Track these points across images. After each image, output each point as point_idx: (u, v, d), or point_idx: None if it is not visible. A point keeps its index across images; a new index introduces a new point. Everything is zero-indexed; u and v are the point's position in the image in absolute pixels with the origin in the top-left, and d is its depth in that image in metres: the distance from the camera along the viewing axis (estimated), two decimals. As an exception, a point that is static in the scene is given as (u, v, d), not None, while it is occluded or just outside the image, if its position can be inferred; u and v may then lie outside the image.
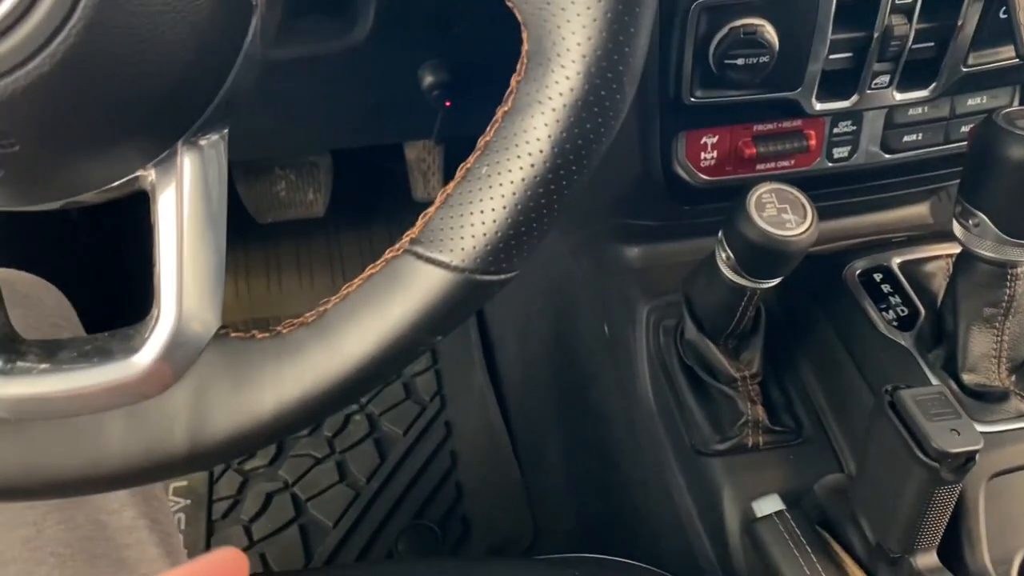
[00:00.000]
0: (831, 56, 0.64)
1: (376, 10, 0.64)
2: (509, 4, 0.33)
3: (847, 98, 0.67)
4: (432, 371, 1.28)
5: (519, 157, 0.33)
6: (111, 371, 0.36)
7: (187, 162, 0.36)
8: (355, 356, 0.35)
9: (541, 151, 0.33)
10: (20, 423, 0.36)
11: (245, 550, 1.06)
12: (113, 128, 0.32)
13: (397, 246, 0.36)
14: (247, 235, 1.31)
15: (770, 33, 0.61)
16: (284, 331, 0.37)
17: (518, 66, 0.33)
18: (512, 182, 0.33)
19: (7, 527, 0.56)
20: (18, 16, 0.27)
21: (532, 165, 0.33)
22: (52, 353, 0.36)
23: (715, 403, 0.71)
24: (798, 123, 0.69)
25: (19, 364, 0.35)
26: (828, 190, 0.75)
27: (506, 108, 0.34)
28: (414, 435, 1.22)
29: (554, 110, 0.32)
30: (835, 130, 0.70)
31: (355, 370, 0.35)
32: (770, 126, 0.69)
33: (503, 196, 0.34)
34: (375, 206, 1.36)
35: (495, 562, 0.66)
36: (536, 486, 1.14)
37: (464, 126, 0.87)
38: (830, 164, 0.71)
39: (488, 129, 0.34)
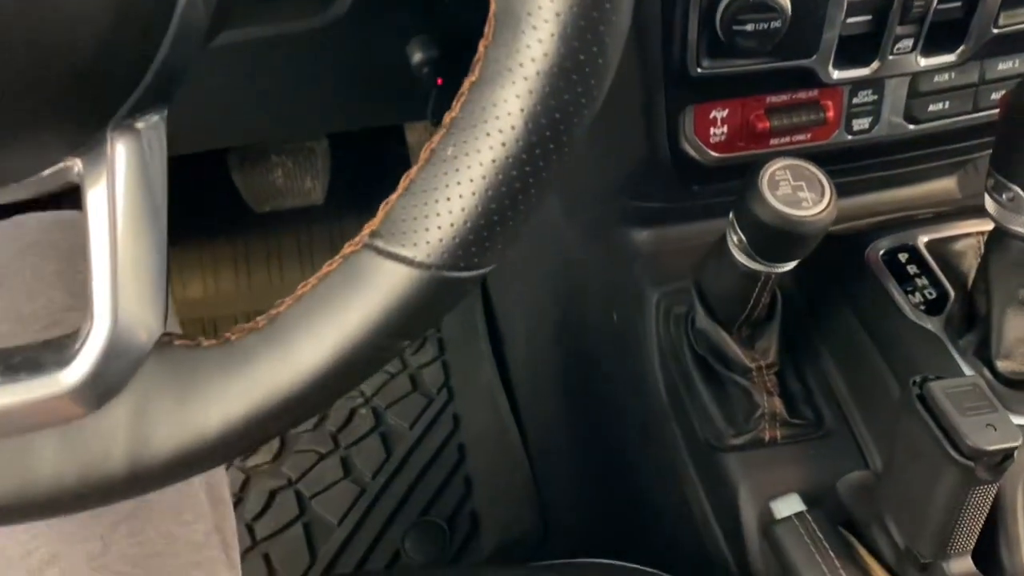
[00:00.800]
0: (849, 19, 0.59)
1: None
2: None
3: (867, 65, 0.62)
4: (439, 362, 1.24)
5: (488, 135, 0.29)
6: (39, 386, 0.32)
7: (120, 148, 0.31)
8: (309, 366, 0.31)
9: (513, 127, 0.28)
10: None
11: (248, 550, 1.02)
12: (17, 113, 0.27)
13: (356, 240, 0.31)
14: (245, 225, 1.27)
15: (783, -5, 0.56)
16: (233, 337, 0.32)
17: (485, 29, 0.29)
18: (482, 164, 0.29)
19: (71, 541, 0.51)
20: None
21: (503, 144, 0.29)
22: None
23: (729, 395, 0.66)
24: (814, 93, 0.65)
25: None
26: (848, 165, 0.70)
27: (473, 78, 0.29)
28: (421, 428, 1.18)
29: (526, 79, 0.28)
30: (854, 100, 0.65)
31: (309, 382, 0.31)
32: (784, 98, 0.65)
33: (471, 181, 0.29)
34: (377, 192, 1.32)
35: (498, 570, 0.62)
36: (545, 480, 1.10)
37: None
38: (850, 137, 0.67)
39: (454, 103, 0.30)
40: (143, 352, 0.32)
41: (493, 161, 0.29)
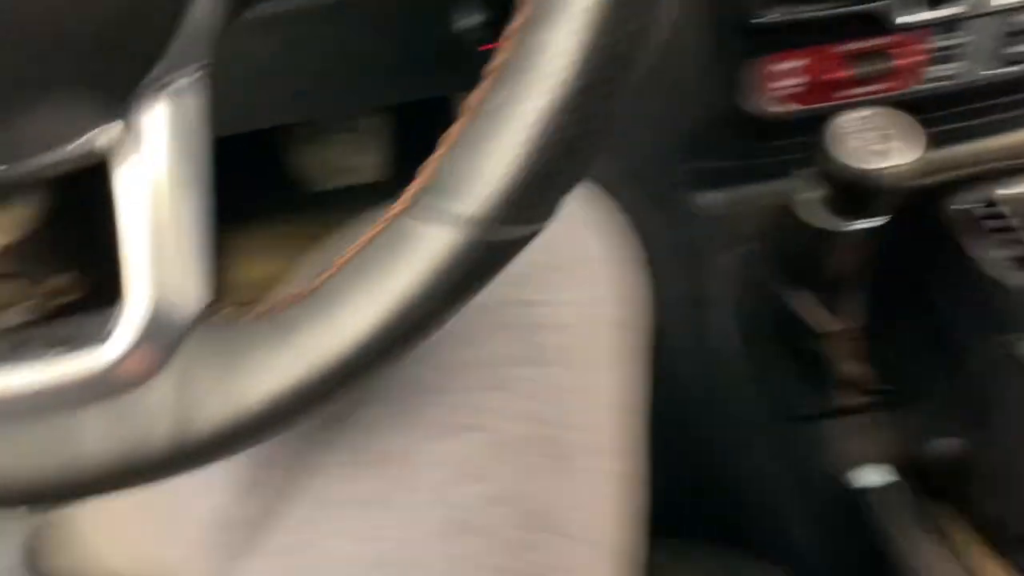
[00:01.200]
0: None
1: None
2: None
3: (945, 5, 0.58)
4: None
5: (541, 80, 0.26)
6: (82, 361, 0.30)
7: (153, 110, 0.30)
8: (354, 334, 0.29)
9: (569, 66, 0.26)
10: None
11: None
12: (38, 77, 0.26)
13: (400, 202, 0.29)
14: (297, 205, 1.26)
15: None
16: (276, 310, 0.31)
17: None
18: (537, 109, 0.27)
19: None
20: None
21: (561, 84, 0.26)
22: (16, 343, 0.31)
23: (809, 362, 0.63)
24: (888, 40, 0.60)
25: None
26: (927, 115, 0.66)
27: (520, 20, 0.27)
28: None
29: (587, 9, 0.25)
30: (936, 44, 0.61)
31: (355, 351, 0.29)
32: (854, 45, 0.61)
33: (526, 128, 0.27)
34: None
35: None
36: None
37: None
38: (930, 85, 0.62)
39: (498, 52, 0.28)
40: (186, 325, 0.31)
41: (548, 105, 0.26)
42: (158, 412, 0.31)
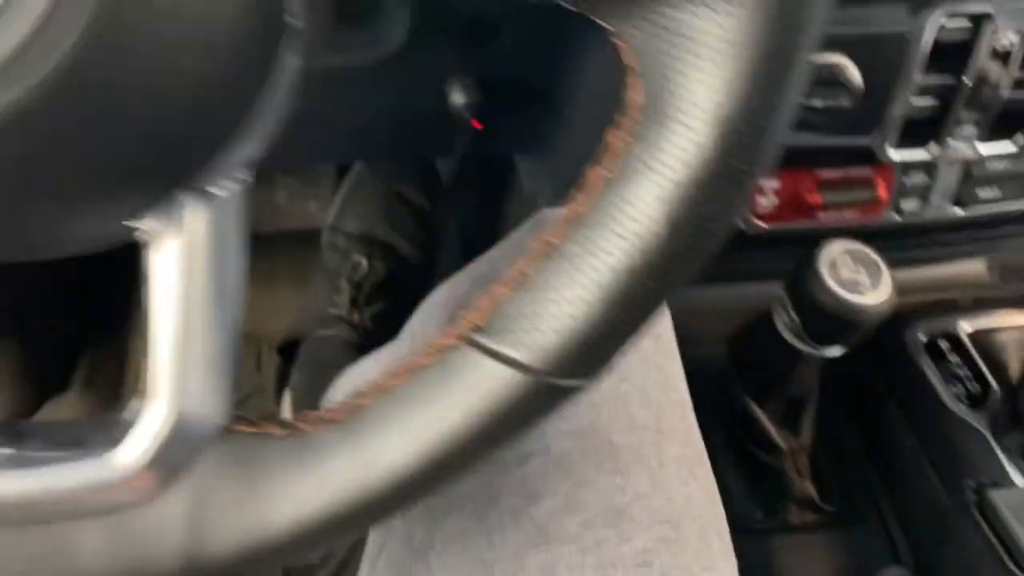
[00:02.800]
0: (915, 101, 0.57)
1: (411, 21, 0.57)
2: (619, 43, 0.26)
3: (925, 147, 0.60)
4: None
5: (623, 237, 0.26)
6: (87, 468, 0.28)
7: (196, 214, 0.28)
8: (395, 467, 0.28)
9: (654, 233, 0.26)
10: None
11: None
12: (104, 175, 0.24)
13: (454, 332, 0.28)
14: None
15: (853, 73, 0.54)
16: (307, 428, 0.29)
17: (619, 119, 0.26)
18: (614, 268, 0.26)
19: None
20: None
21: (642, 250, 0.26)
22: (17, 439, 0.29)
23: (759, 475, 0.64)
24: (868, 171, 0.63)
25: None
26: (888, 242, 0.68)
27: (606, 173, 0.26)
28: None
29: (676, 182, 0.25)
30: (906, 181, 0.63)
31: (394, 484, 0.28)
32: (837, 173, 0.63)
33: (600, 285, 0.26)
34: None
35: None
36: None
37: (489, 146, 0.81)
38: (898, 218, 0.65)
39: (578, 196, 0.27)
40: (205, 440, 0.29)
41: (628, 266, 0.26)
42: (167, 531, 0.29)
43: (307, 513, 0.29)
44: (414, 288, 1.01)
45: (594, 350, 0.27)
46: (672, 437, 0.48)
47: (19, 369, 0.86)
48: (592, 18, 0.25)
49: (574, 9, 0.25)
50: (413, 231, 1.05)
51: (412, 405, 0.28)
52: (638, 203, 0.26)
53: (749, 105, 0.25)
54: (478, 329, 0.28)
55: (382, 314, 1.01)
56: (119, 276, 1.06)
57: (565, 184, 0.61)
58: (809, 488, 0.62)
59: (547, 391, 0.28)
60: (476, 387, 0.28)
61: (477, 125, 0.70)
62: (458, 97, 0.67)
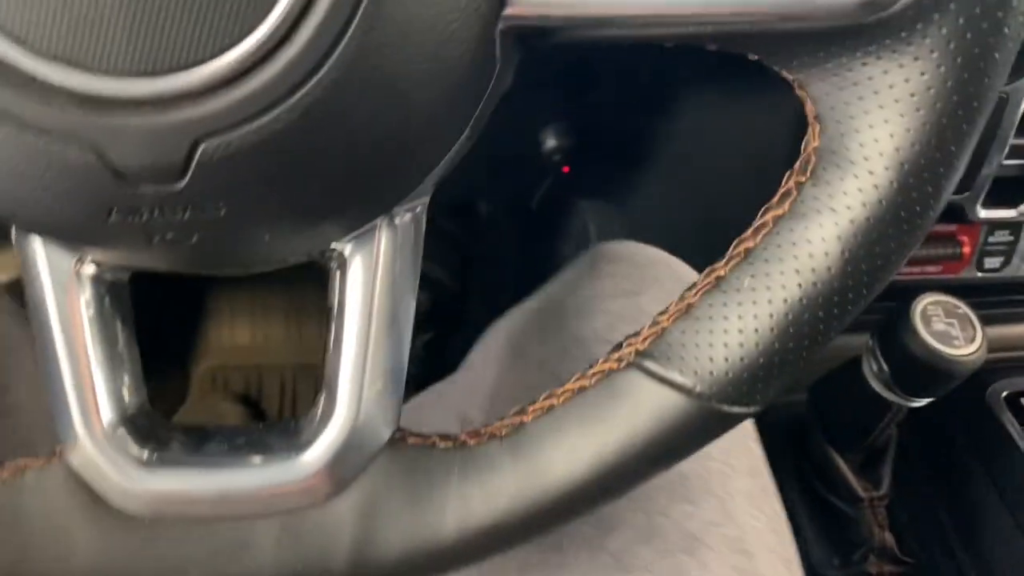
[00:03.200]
0: (1006, 161, 0.59)
1: (518, 66, 0.60)
2: (799, 93, 0.28)
3: (1014, 206, 0.62)
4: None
5: (798, 272, 0.28)
6: (270, 471, 0.30)
7: (384, 236, 0.30)
8: (561, 481, 0.29)
9: (830, 268, 0.27)
10: (155, 524, 0.30)
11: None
12: (333, 197, 0.26)
13: (618, 356, 0.30)
14: (299, 274, 1.24)
15: (949, 131, 0.56)
16: (471, 442, 0.31)
17: (800, 164, 0.28)
18: (786, 300, 0.28)
19: None
20: (260, 59, 0.22)
21: (815, 283, 0.27)
22: (199, 444, 0.31)
23: (835, 523, 0.65)
24: (953, 228, 0.64)
25: (162, 455, 0.30)
26: (969, 299, 0.69)
27: (781, 212, 0.28)
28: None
29: (852, 222, 0.27)
30: (990, 239, 0.65)
31: (559, 498, 0.30)
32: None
33: (770, 316, 0.28)
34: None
35: None
36: None
37: (572, 190, 0.83)
38: (979, 274, 0.66)
39: (750, 233, 0.29)
40: (379, 446, 0.30)
41: (800, 299, 0.28)
42: (337, 534, 0.30)
43: (471, 522, 0.30)
44: (452, 318, 1.03)
45: (761, 378, 0.29)
46: (740, 470, 0.48)
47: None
48: (777, 69, 0.27)
49: (765, 63, 0.27)
50: (450, 260, 1.07)
51: (575, 424, 0.30)
52: (814, 239, 0.28)
53: (928, 153, 0.26)
54: (644, 355, 0.30)
55: (431, 343, 1.02)
56: (184, 304, 1.09)
57: (641, 228, 0.63)
58: (888, 539, 0.62)
59: (712, 416, 0.29)
60: (642, 409, 0.29)
61: (566, 169, 0.72)
62: (551, 141, 0.69)
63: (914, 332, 0.54)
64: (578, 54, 0.62)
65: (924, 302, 0.55)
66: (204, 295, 1.19)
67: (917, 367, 0.54)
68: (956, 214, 0.62)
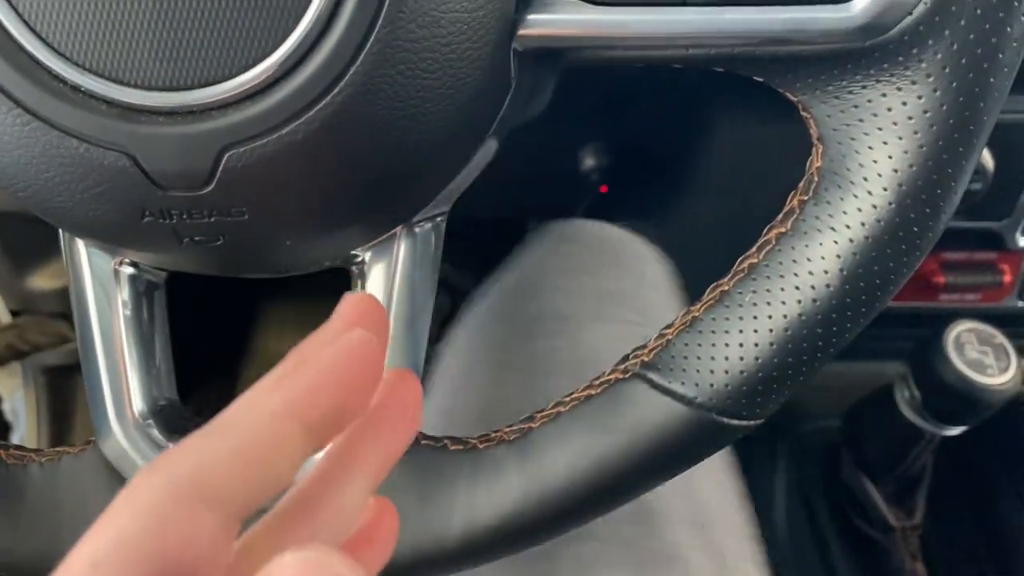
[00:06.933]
0: (1047, 188, 0.58)
1: (556, 87, 0.61)
2: (804, 114, 0.28)
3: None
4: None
5: (798, 288, 0.28)
6: None
7: (403, 245, 0.32)
8: (563, 487, 0.30)
9: (828, 285, 0.28)
10: None
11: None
12: (354, 206, 0.28)
13: (624, 367, 0.31)
14: (346, 282, 1.27)
15: (986, 159, 0.56)
16: (480, 445, 0.32)
17: (803, 183, 0.29)
18: (786, 316, 0.28)
19: None
20: (281, 76, 0.24)
21: (814, 300, 0.28)
22: None
23: (867, 552, 0.64)
24: (993, 256, 0.64)
25: None
26: (1008, 328, 0.68)
27: (784, 230, 0.29)
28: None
29: (852, 240, 0.28)
30: (1031, 267, 0.64)
31: (562, 502, 0.30)
32: (962, 255, 0.64)
33: (771, 330, 0.28)
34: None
35: None
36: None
37: (608, 209, 0.84)
38: (1020, 304, 0.65)
39: (755, 249, 0.29)
40: None
41: (800, 315, 0.28)
42: None
43: (481, 521, 0.31)
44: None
45: (760, 392, 0.29)
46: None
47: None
48: (782, 92, 0.28)
49: (770, 85, 0.28)
50: (469, 264, 1.07)
51: (580, 430, 0.31)
52: (814, 257, 0.28)
53: (926, 175, 0.27)
54: (648, 366, 0.30)
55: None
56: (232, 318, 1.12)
57: (677, 248, 0.63)
58: (921, 569, 0.62)
59: (712, 428, 0.30)
60: (645, 418, 0.30)
61: (603, 189, 0.73)
62: (589, 161, 0.70)
63: (946, 359, 0.53)
64: (616, 74, 0.64)
65: (957, 329, 0.55)
66: (253, 305, 1.22)
67: (948, 395, 0.54)
68: (996, 241, 0.61)
